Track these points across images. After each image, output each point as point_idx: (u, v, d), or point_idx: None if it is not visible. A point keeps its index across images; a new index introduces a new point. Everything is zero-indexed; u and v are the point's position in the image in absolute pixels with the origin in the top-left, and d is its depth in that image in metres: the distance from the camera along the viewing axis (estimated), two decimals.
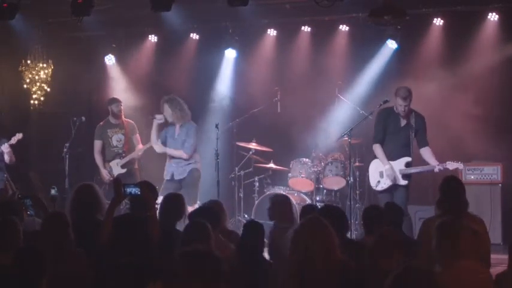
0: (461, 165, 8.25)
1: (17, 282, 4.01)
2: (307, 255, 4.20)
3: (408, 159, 8.43)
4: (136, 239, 5.39)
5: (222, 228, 6.22)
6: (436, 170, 8.27)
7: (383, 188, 8.59)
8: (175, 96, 9.63)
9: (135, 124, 10.34)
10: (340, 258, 4.27)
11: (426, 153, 8.42)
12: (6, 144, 9.64)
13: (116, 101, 10.35)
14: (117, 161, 10.10)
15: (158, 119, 9.52)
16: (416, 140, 8.50)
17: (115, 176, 9.79)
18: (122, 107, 10.28)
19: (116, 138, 10.18)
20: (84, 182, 6.29)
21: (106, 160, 10.20)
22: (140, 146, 10.12)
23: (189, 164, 9.47)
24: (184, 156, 9.43)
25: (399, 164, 8.47)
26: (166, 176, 9.47)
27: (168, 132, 9.57)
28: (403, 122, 8.50)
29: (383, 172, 8.56)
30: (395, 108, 8.49)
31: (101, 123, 10.33)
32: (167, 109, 9.49)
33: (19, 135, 9.67)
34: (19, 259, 4.12)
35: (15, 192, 8.17)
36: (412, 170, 8.42)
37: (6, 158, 9.70)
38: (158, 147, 9.54)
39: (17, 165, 10.00)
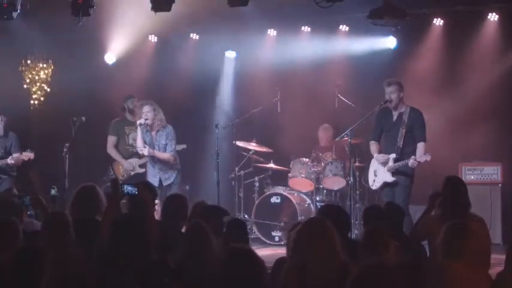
0: (429, 156, 8.13)
1: (17, 283, 4.00)
2: (308, 256, 4.19)
3: (393, 155, 8.41)
4: (134, 239, 5.38)
5: None
6: (410, 164, 8.20)
7: (376, 187, 8.68)
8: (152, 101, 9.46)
9: None
10: (342, 260, 4.26)
11: (418, 148, 8.34)
12: (11, 158, 9.53)
13: (131, 97, 10.18)
14: (135, 160, 9.89)
15: (142, 123, 9.25)
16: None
17: (132, 174, 9.71)
18: (136, 103, 9.94)
19: (133, 137, 9.89)
20: (86, 183, 6.29)
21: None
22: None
23: (174, 167, 9.41)
24: (172, 159, 9.34)
25: (388, 162, 8.47)
26: (154, 183, 9.26)
27: (145, 138, 9.36)
28: (395, 117, 8.49)
29: (377, 171, 8.59)
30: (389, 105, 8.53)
31: (117, 118, 10.19)
32: (149, 111, 9.25)
33: (30, 154, 9.52)
34: (18, 259, 4.11)
35: (10, 189, 8.13)
36: (395, 166, 8.37)
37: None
38: (147, 151, 9.26)
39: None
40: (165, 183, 9.34)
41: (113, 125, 10.09)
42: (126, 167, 9.94)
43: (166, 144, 9.34)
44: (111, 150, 10.04)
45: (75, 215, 5.74)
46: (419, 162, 8.16)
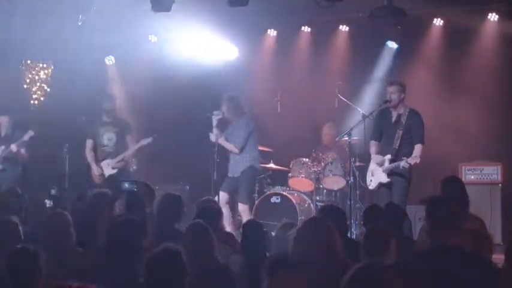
0: (418, 159, 8.02)
1: (13, 284, 4.00)
2: (309, 256, 4.20)
3: (389, 156, 8.36)
4: (132, 238, 5.39)
5: (220, 229, 6.20)
6: (401, 165, 8.13)
7: (373, 187, 8.64)
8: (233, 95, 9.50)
9: (131, 124, 10.04)
10: (342, 260, 4.27)
11: (414, 150, 8.25)
12: (13, 145, 9.61)
13: (107, 97, 10.05)
14: (108, 161, 9.74)
15: (215, 114, 9.32)
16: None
17: (106, 176, 9.55)
18: (115, 104, 9.94)
19: (107, 137, 9.80)
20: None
21: (98, 161, 9.81)
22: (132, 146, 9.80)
23: (245, 161, 9.31)
24: (235, 150, 9.32)
25: (384, 162, 8.47)
26: (229, 173, 9.38)
27: (226, 130, 9.46)
28: (394, 119, 8.46)
29: (374, 171, 8.59)
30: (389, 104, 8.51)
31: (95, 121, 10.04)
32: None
33: (31, 133, 9.61)
34: (13, 260, 4.10)
35: (9, 188, 8.13)
36: (390, 167, 8.31)
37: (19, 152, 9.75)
38: (221, 141, 9.35)
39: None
40: (235, 175, 9.32)
41: (89, 128, 9.99)
42: (94, 172, 9.78)
43: (238, 134, 9.34)
44: (88, 154, 9.86)
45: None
46: (409, 164, 8.12)
